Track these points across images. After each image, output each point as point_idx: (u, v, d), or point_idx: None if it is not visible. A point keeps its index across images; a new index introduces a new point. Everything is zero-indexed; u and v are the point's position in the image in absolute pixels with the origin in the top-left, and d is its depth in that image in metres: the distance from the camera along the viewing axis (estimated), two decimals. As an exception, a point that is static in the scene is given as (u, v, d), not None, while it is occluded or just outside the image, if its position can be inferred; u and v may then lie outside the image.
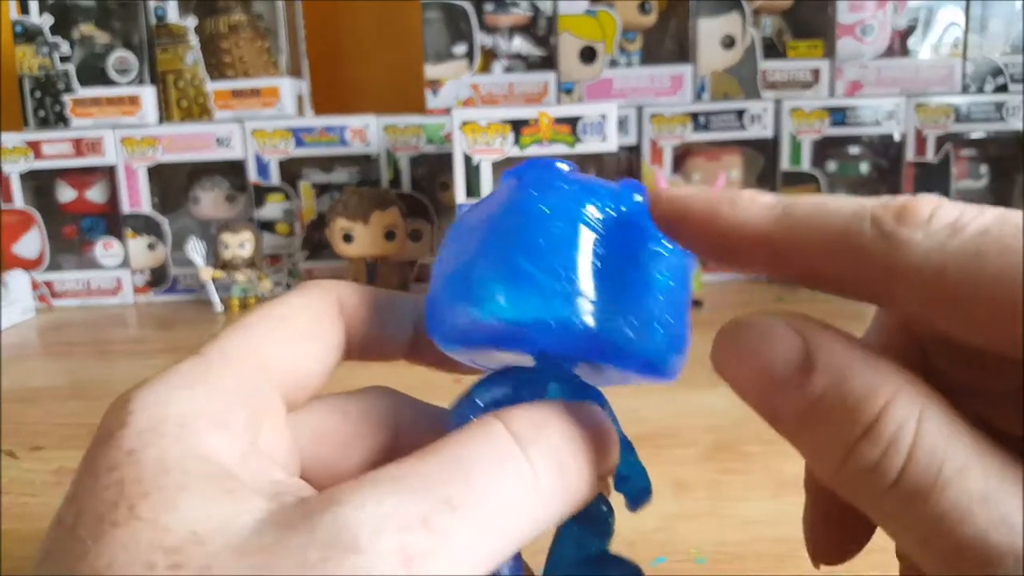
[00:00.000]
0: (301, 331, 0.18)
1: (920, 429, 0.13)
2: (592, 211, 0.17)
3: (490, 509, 0.14)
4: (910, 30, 0.90)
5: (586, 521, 0.18)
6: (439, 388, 0.22)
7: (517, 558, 0.18)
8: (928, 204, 0.14)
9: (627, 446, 0.19)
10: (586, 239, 0.17)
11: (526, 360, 0.19)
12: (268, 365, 0.17)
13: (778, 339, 0.14)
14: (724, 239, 0.15)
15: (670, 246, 0.18)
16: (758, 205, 0.15)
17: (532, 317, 0.17)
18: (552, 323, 0.17)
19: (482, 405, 0.18)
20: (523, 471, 0.15)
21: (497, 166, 0.78)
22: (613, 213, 0.17)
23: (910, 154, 0.88)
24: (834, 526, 0.19)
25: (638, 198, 0.18)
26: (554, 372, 0.19)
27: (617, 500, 0.19)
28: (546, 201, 0.17)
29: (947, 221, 0.13)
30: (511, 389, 0.18)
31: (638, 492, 0.19)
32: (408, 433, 0.20)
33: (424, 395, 0.21)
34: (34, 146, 0.89)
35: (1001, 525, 0.12)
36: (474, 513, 0.14)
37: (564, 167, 0.18)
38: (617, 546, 0.20)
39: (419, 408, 0.21)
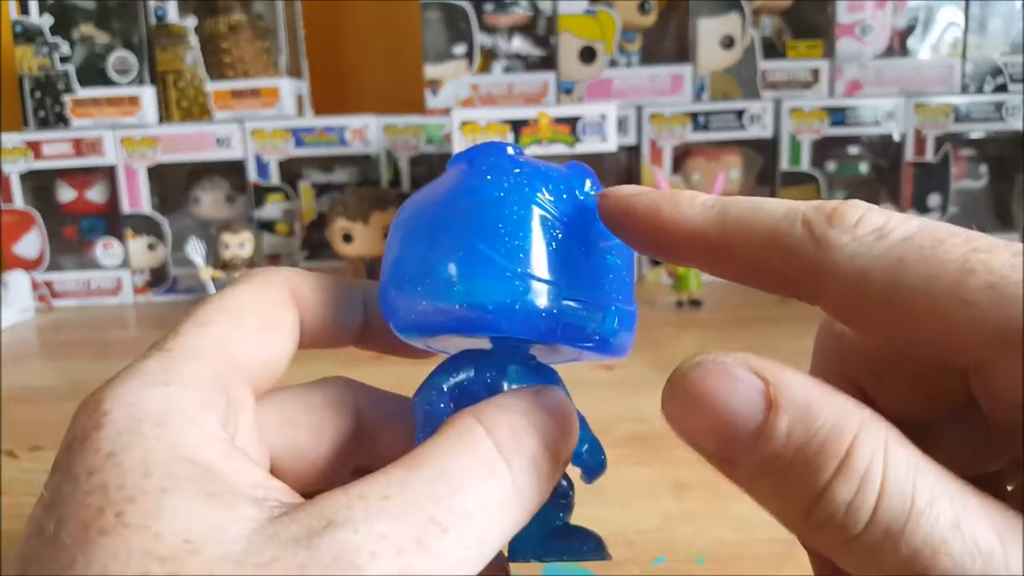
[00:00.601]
0: (259, 322, 0.18)
1: (888, 462, 0.12)
2: (545, 195, 0.18)
3: (478, 525, 0.14)
4: (909, 30, 0.90)
5: (548, 497, 0.19)
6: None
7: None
8: (857, 209, 0.14)
9: (582, 422, 0.19)
10: (541, 222, 0.17)
11: (483, 343, 0.19)
12: (234, 358, 0.17)
13: (737, 381, 0.13)
14: (664, 236, 0.16)
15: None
16: (697, 205, 0.16)
17: (493, 301, 0.17)
18: (513, 306, 0.17)
19: (445, 390, 0.18)
20: (506, 482, 0.15)
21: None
22: (565, 196, 0.18)
23: (909, 154, 0.88)
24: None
25: (588, 183, 0.18)
26: (512, 354, 0.19)
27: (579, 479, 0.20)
28: (500, 185, 0.17)
29: (874, 226, 0.14)
30: (472, 372, 0.19)
31: (595, 466, 0.20)
32: (369, 419, 0.20)
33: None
34: (34, 146, 0.89)
35: (976, 554, 0.12)
36: (464, 530, 0.14)
37: (511, 150, 0.18)
38: (617, 546, 0.20)
39: (376, 395, 0.21)
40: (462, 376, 0.19)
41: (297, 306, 0.19)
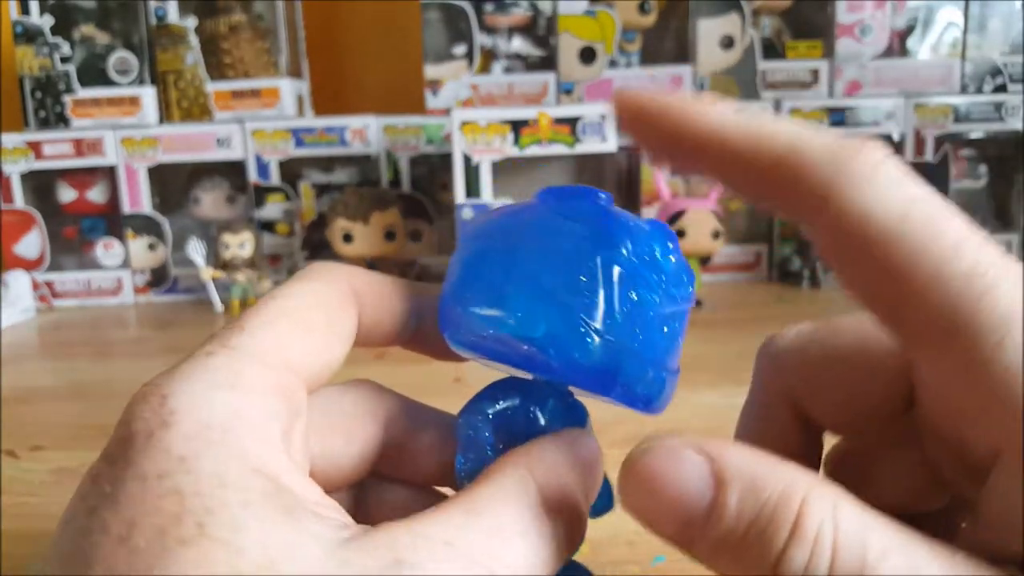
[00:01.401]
0: (320, 325, 0.18)
1: (838, 523, 0.13)
2: (627, 251, 0.18)
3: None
4: (909, 30, 0.90)
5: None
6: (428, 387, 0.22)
7: None
8: (882, 152, 0.14)
9: None
10: (618, 279, 0.17)
11: (525, 372, 0.19)
12: (296, 363, 0.17)
13: (684, 462, 0.14)
14: (684, 130, 0.16)
15: (688, 294, 0.19)
16: (721, 105, 0.16)
17: (558, 348, 0.17)
18: (576, 357, 0.17)
19: (490, 416, 0.19)
20: (550, 541, 0.16)
21: (497, 166, 0.79)
22: (646, 257, 0.18)
23: (909, 154, 0.88)
24: None
25: (670, 244, 0.18)
26: (553, 389, 0.19)
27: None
28: (588, 234, 0.17)
29: (893, 175, 0.14)
30: (517, 402, 0.19)
31: (602, 508, 0.20)
32: (396, 427, 0.20)
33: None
34: (35, 146, 0.89)
35: None
36: None
37: (603, 198, 0.19)
38: (617, 546, 0.21)
39: (404, 404, 0.21)
40: (507, 405, 0.19)
41: (366, 308, 0.19)
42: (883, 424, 0.18)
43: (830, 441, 0.20)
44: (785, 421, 0.19)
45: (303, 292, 0.18)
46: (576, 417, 0.19)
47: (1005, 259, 0.14)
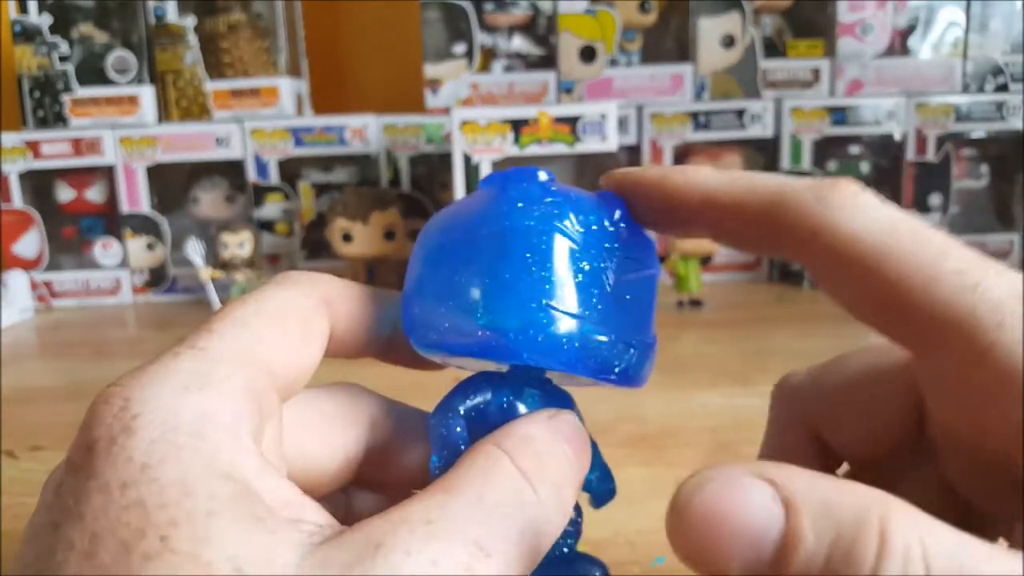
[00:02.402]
0: (294, 329, 0.18)
1: (923, 535, 0.12)
2: (574, 224, 0.18)
3: (515, 551, 0.15)
4: (910, 29, 0.90)
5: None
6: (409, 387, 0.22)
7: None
8: (856, 184, 0.16)
9: (594, 448, 0.19)
10: (569, 253, 0.17)
11: (501, 365, 0.19)
12: (268, 365, 0.17)
13: (748, 492, 0.12)
14: (675, 201, 0.18)
15: (648, 259, 0.19)
16: (704, 171, 0.17)
17: (517, 331, 0.17)
18: (536, 337, 0.17)
19: (462, 413, 0.18)
20: (536, 509, 0.16)
21: (497, 165, 0.78)
22: (594, 226, 0.18)
23: (910, 154, 0.88)
24: None
25: (617, 213, 0.18)
26: (528, 378, 0.19)
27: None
28: (530, 214, 0.17)
29: (872, 202, 0.16)
30: (489, 395, 0.19)
31: (604, 492, 0.20)
32: (381, 432, 0.20)
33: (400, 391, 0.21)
34: (33, 146, 0.89)
35: None
36: (504, 556, 0.15)
37: (544, 177, 0.18)
38: (618, 546, 0.20)
39: (385, 405, 0.21)
40: (479, 399, 0.19)
41: (339, 316, 0.19)
42: (898, 449, 0.18)
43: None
44: (804, 454, 0.20)
45: (275, 297, 0.18)
46: (559, 404, 0.19)
47: (985, 260, 0.15)
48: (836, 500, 0.12)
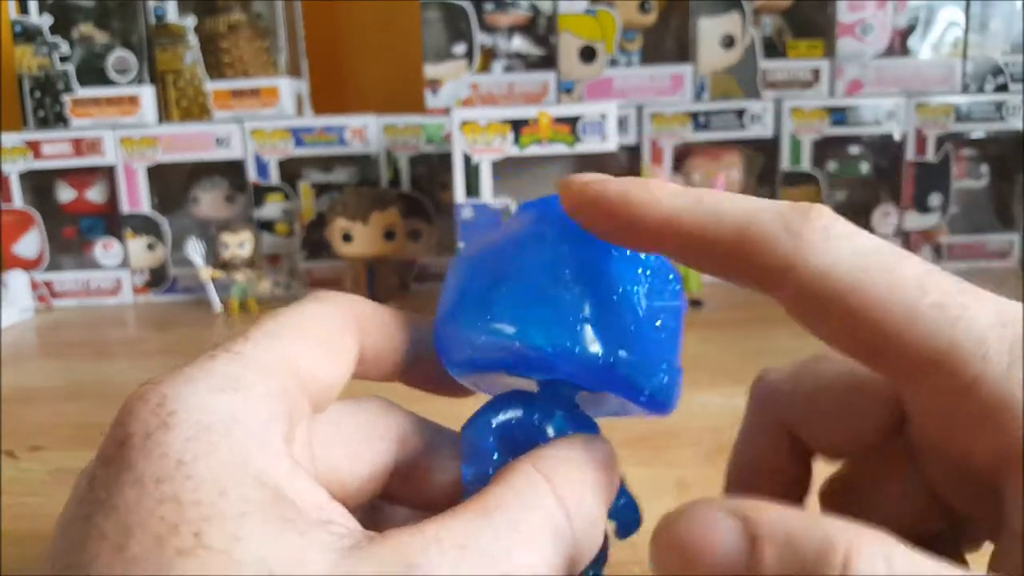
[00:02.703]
0: (324, 342, 0.18)
1: (893, 564, 0.12)
2: (612, 250, 0.18)
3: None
4: (910, 29, 0.90)
5: None
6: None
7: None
8: (828, 213, 0.15)
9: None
10: (606, 274, 0.18)
11: (531, 384, 0.19)
12: (301, 374, 0.17)
13: (717, 525, 0.13)
14: (636, 222, 0.17)
15: (675, 291, 0.19)
16: (669, 191, 0.16)
17: (553, 343, 0.17)
18: (572, 350, 0.17)
19: (493, 427, 0.19)
20: (568, 540, 0.16)
21: (497, 165, 0.78)
22: (629, 252, 0.18)
23: (910, 154, 0.88)
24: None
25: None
26: (559, 399, 0.19)
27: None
28: (571, 235, 0.18)
29: (845, 231, 0.15)
30: (520, 412, 0.19)
31: (630, 522, 0.20)
32: (409, 446, 0.20)
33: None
34: (33, 146, 0.89)
35: None
36: None
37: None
38: (618, 547, 0.20)
39: (415, 420, 0.21)
40: (510, 414, 0.19)
41: (372, 335, 0.19)
42: (876, 447, 0.19)
43: (826, 471, 0.21)
44: (777, 449, 0.20)
45: (309, 311, 0.18)
46: (586, 429, 0.19)
47: (963, 287, 0.15)
48: (801, 533, 0.13)
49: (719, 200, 0.16)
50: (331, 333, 0.18)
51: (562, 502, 0.16)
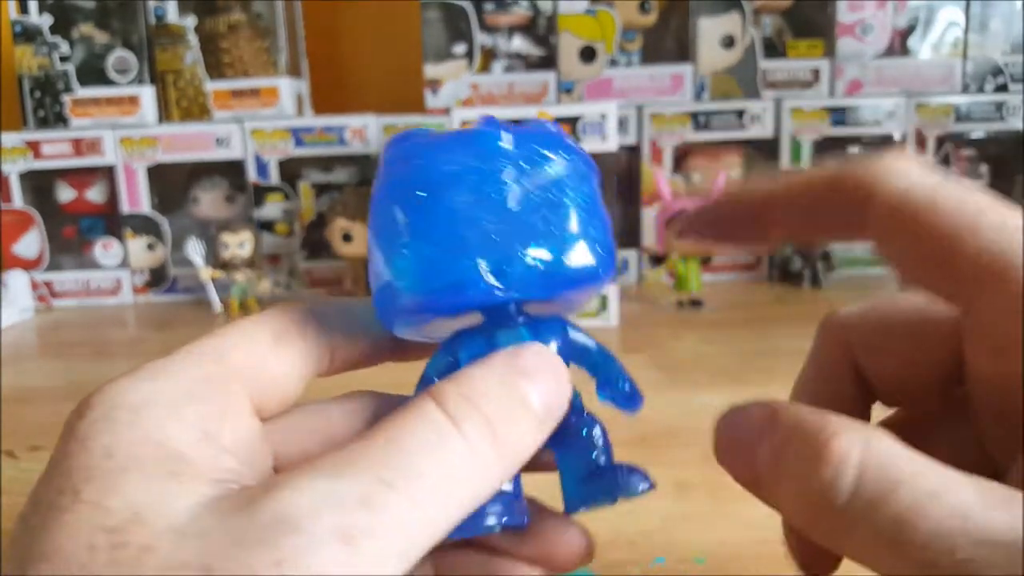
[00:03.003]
0: (268, 338, 0.19)
1: (868, 450, 0.14)
2: (460, 159, 0.18)
3: (427, 486, 0.14)
4: (910, 30, 0.90)
5: (571, 444, 0.19)
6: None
7: (516, 478, 0.18)
8: (902, 155, 0.17)
9: (603, 354, 0.20)
10: (467, 186, 0.17)
11: (475, 318, 0.19)
12: (233, 364, 0.18)
13: (753, 412, 0.17)
14: (745, 211, 0.19)
15: (561, 156, 0.19)
16: (758, 181, 0.19)
17: (437, 285, 0.17)
18: (459, 283, 0.17)
19: (436, 379, 0.19)
20: (457, 446, 0.15)
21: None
22: (482, 155, 0.18)
23: (910, 154, 0.88)
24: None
25: (504, 135, 0.19)
26: (501, 320, 0.19)
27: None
28: (417, 165, 0.18)
29: (916, 167, 0.17)
30: (463, 351, 0.19)
31: (626, 396, 0.20)
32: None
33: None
34: (33, 146, 0.89)
35: (955, 516, 0.13)
36: (411, 490, 0.14)
37: (418, 137, 0.19)
38: (618, 546, 0.20)
39: (397, 400, 0.21)
40: (450, 358, 0.19)
41: (319, 330, 0.20)
42: (936, 395, 0.19)
43: (880, 415, 0.21)
44: (841, 386, 0.21)
45: (255, 316, 0.19)
46: (543, 332, 0.19)
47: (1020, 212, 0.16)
48: (805, 421, 0.15)
49: (807, 171, 0.18)
50: (277, 330, 0.19)
51: (449, 415, 0.15)
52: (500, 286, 0.17)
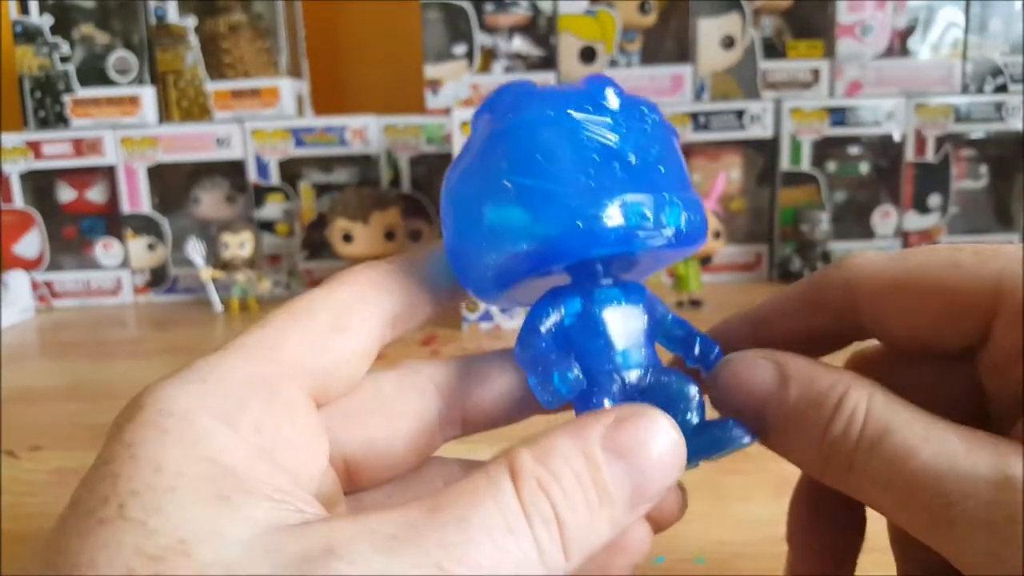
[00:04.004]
0: (327, 323, 0.18)
1: (871, 403, 0.17)
2: (572, 112, 0.18)
3: None
4: (910, 30, 0.90)
5: (666, 404, 0.18)
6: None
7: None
8: (861, 255, 0.19)
9: (678, 319, 0.20)
10: (573, 139, 0.17)
11: (562, 279, 0.19)
12: (287, 359, 0.17)
13: (760, 367, 0.18)
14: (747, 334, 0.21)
15: (655, 118, 0.19)
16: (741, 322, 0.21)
17: (553, 229, 0.17)
18: (574, 226, 0.17)
19: (542, 332, 0.18)
20: (525, 548, 0.14)
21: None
22: (590, 108, 0.18)
23: (910, 154, 0.88)
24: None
25: (609, 90, 0.18)
26: (593, 279, 0.19)
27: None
28: (524, 117, 0.18)
29: (875, 256, 0.19)
30: (563, 307, 0.19)
31: (709, 355, 0.20)
32: (452, 391, 0.20)
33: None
34: (34, 146, 0.89)
35: (941, 455, 0.15)
36: None
37: (528, 86, 0.19)
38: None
39: (454, 366, 0.20)
40: (552, 315, 0.19)
41: (380, 302, 0.19)
42: (947, 354, 0.18)
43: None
44: (823, 322, 0.20)
45: (310, 296, 0.18)
46: (631, 296, 0.19)
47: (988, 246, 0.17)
48: (818, 376, 0.18)
49: (918, 253, 0.19)
50: (335, 312, 0.18)
51: (522, 500, 0.14)
52: (640, 232, 0.17)
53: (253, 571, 0.12)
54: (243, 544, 0.13)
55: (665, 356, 0.21)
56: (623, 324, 0.19)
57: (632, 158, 0.18)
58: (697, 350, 0.20)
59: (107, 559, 0.13)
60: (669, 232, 0.18)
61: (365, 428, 0.19)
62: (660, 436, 0.16)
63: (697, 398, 0.19)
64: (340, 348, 0.18)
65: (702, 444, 0.18)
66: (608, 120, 0.18)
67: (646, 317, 0.19)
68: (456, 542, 0.13)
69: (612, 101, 0.18)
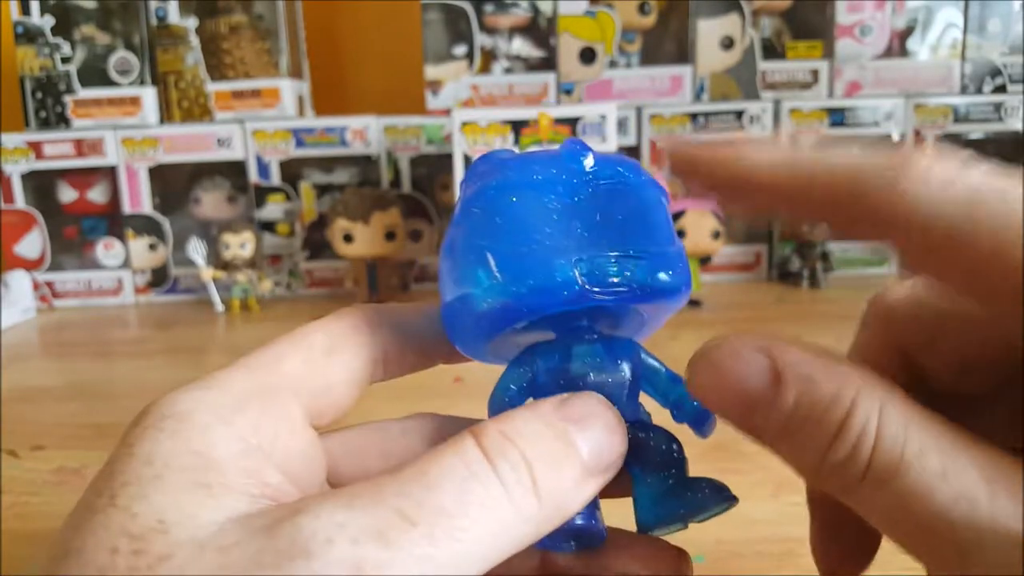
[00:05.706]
0: (323, 347, 0.19)
1: (882, 421, 0.14)
2: (539, 177, 0.18)
3: (454, 524, 0.13)
4: (909, 31, 0.90)
5: (646, 461, 0.19)
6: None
7: (592, 507, 0.18)
8: (927, 159, 0.15)
9: (673, 377, 0.20)
10: (540, 203, 0.18)
11: (547, 335, 0.19)
12: (286, 374, 0.18)
13: (747, 362, 0.15)
14: (750, 179, 0.16)
15: (634, 177, 0.19)
16: (778, 147, 0.16)
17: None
18: (552, 280, 0.17)
19: (515, 389, 0.19)
20: (491, 487, 0.14)
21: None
22: (560, 171, 0.18)
23: (909, 155, 0.88)
24: (840, 541, 0.20)
25: (590, 156, 0.19)
26: (575, 336, 0.19)
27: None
28: (495, 186, 0.18)
29: (943, 177, 0.14)
30: (539, 363, 0.19)
31: (696, 416, 0.20)
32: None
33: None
34: (35, 147, 0.89)
35: (960, 499, 0.13)
36: (433, 528, 0.13)
37: (504, 154, 0.19)
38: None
39: (463, 424, 0.21)
40: (526, 369, 0.19)
41: (373, 337, 0.19)
42: (992, 380, 0.17)
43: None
44: (889, 371, 0.19)
45: (310, 325, 0.19)
46: (615, 352, 0.19)
47: None
48: (819, 379, 0.14)
49: (818, 161, 0.16)
50: (331, 339, 0.19)
51: (484, 449, 0.15)
52: (595, 288, 0.17)
53: (224, 542, 0.13)
54: (218, 524, 0.14)
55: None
56: (599, 380, 0.19)
57: (597, 216, 0.18)
58: (697, 409, 0.20)
59: (95, 542, 0.14)
60: (629, 288, 0.17)
61: (360, 462, 0.20)
62: (600, 407, 0.17)
63: (678, 456, 0.19)
64: (333, 371, 0.19)
65: (682, 504, 0.18)
66: (574, 181, 0.18)
67: (628, 374, 0.19)
68: (414, 490, 0.14)
69: (586, 162, 0.19)
